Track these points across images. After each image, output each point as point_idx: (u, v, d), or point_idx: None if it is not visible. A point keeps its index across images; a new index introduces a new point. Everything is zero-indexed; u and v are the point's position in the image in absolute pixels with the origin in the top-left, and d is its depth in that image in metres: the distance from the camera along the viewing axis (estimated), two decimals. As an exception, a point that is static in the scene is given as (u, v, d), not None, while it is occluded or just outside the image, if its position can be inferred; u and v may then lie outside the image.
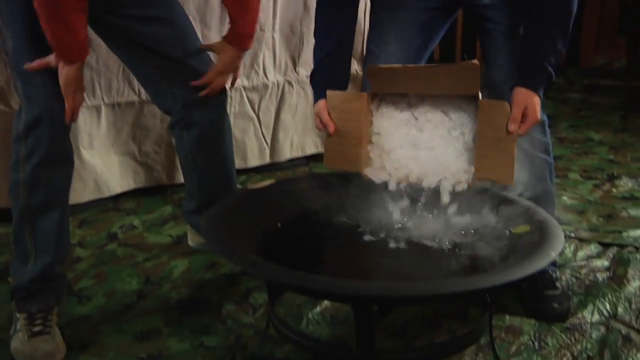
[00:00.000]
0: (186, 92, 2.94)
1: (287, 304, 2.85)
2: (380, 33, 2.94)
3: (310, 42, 4.60)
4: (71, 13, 2.48)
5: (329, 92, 2.62)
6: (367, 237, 2.45)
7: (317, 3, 2.77)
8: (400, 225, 2.48)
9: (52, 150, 2.62)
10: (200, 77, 2.93)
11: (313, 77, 2.77)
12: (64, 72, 2.55)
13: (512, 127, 2.40)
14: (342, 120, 2.59)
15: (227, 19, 3.01)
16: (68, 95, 2.57)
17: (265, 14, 4.48)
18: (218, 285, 2.99)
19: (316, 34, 2.76)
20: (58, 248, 2.72)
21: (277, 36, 4.60)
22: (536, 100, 2.49)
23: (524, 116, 2.46)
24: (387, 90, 2.55)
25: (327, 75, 2.73)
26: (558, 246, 2.22)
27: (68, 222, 2.79)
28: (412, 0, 2.86)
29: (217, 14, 4.17)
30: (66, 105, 2.58)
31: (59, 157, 2.67)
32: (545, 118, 2.91)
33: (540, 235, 2.28)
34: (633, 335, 2.76)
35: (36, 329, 2.61)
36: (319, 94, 2.71)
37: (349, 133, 2.58)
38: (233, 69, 3.05)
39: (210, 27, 4.16)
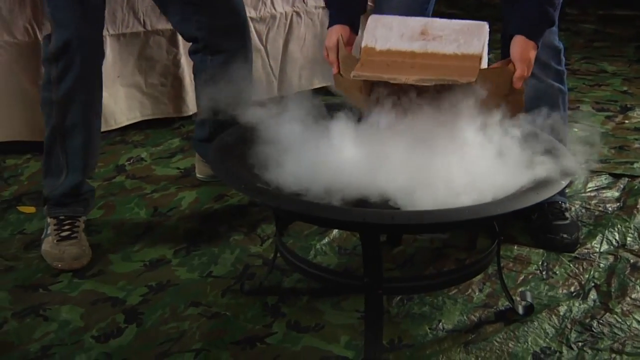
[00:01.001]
0: (212, 19, 2.98)
1: (295, 235, 2.90)
2: None
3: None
4: None
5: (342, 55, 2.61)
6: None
7: None
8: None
9: (83, 74, 2.70)
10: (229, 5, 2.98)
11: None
12: None
13: (520, 84, 2.42)
14: (346, 71, 2.58)
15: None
16: None
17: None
18: (226, 216, 3.04)
19: None
20: (88, 166, 2.89)
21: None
22: (533, 53, 2.50)
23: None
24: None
25: None
26: (567, 177, 2.27)
27: (98, 142, 2.92)
28: None
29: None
30: None
31: (91, 81, 2.76)
32: (562, 46, 2.93)
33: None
34: (641, 264, 2.80)
35: (64, 233, 2.81)
36: (333, 19, 2.69)
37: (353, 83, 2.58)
38: None
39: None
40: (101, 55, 2.83)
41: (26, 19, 3.53)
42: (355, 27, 2.68)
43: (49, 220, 2.88)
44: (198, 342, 2.39)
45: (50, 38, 2.71)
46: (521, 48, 2.43)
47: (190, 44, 3.16)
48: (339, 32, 2.65)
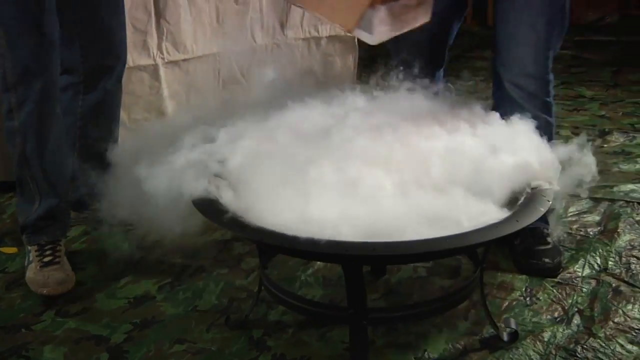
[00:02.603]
0: (99, 58, 2.97)
1: (279, 266, 2.87)
2: None
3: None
4: None
5: None
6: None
7: None
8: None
9: (41, 100, 2.69)
10: (114, 50, 3.00)
11: None
12: None
13: None
14: None
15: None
16: None
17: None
18: (210, 250, 3.01)
19: None
20: (58, 189, 2.85)
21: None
22: None
23: None
24: None
25: None
26: (546, 202, 2.28)
27: (68, 166, 2.92)
28: None
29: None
30: None
31: (50, 106, 2.74)
32: (552, 77, 2.96)
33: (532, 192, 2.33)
34: (623, 287, 2.81)
35: (47, 259, 2.81)
36: None
37: None
38: None
39: None
40: (56, 81, 2.80)
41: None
42: None
43: (29, 248, 2.88)
44: None
45: (5, 64, 2.70)
46: None
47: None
48: None
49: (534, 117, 2.60)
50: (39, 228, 2.85)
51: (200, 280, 2.89)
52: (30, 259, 2.85)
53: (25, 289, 2.86)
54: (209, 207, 2.25)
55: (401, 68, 2.77)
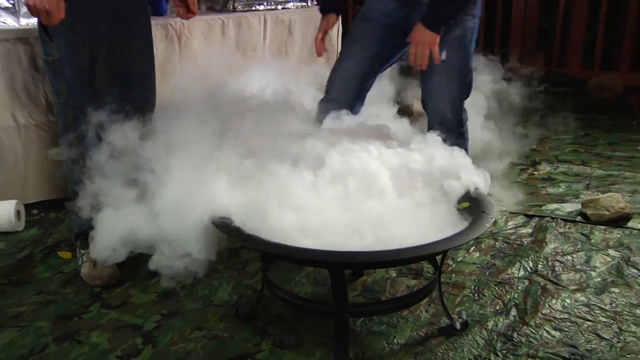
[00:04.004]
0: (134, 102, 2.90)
1: (278, 269, 2.84)
2: (349, 37, 3.06)
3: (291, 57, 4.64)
4: None
5: None
6: None
7: None
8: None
9: (87, 139, 2.67)
10: (148, 97, 3.02)
11: None
12: None
13: (413, 60, 2.78)
14: None
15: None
16: (51, 7, 2.41)
17: (257, 36, 4.47)
18: (222, 257, 2.95)
19: None
20: None
21: (266, 54, 4.59)
22: (431, 37, 2.73)
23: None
24: None
25: None
26: (491, 219, 2.29)
27: None
28: (377, 16, 2.96)
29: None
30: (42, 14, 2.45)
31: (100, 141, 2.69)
32: (465, 115, 3.11)
33: (477, 209, 2.34)
34: (549, 286, 2.81)
35: (96, 259, 2.76)
36: (327, 7, 3.04)
37: None
38: None
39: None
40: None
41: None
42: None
43: (82, 251, 2.88)
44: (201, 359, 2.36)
45: (61, 114, 2.73)
46: (424, 33, 2.73)
47: None
48: (326, 21, 3.01)
49: (453, 144, 2.64)
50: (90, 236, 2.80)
51: (214, 280, 2.86)
52: (84, 259, 2.85)
53: (77, 286, 2.85)
54: (222, 224, 2.24)
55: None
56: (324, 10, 3.09)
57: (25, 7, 3.40)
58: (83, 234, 2.86)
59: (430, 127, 3.02)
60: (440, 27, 2.74)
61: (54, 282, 2.87)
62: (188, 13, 3.14)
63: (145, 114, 2.89)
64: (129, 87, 2.90)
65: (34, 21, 3.48)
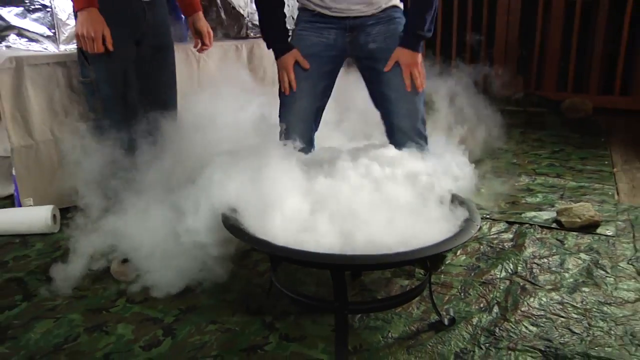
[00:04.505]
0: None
1: (284, 269, 2.80)
2: (296, 75, 2.85)
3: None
4: None
5: None
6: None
7: None
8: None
9: (128, 148, 2.68)
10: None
11: (267, 36, 2.82)
12: (84, 17, 2.46)
13: (408, 82, 2.70)
14: None
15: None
16: (96, 36, 2.46)
17: (267, 60, 4.42)
18: (234, 258, 2.91)
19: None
20: None
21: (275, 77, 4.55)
22: (415, 56, 2.70)
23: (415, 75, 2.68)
24: None
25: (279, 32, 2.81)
26: (476, 226, 2.27)
27: None
28: (321, 50, 2.83)
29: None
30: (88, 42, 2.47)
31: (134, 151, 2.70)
32: (425, 129, 2.93)
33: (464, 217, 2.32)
34: (528, 286, 2.77)
35: (124, 257, 2.75)
36: (281, 49, 2.77)
37: None
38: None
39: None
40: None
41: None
42: None
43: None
44: (215, 350, 2.33)
45: (97, 131, 2.68)
46: (406, 54, 2.70)
47: None
48: (294, 56, 2.77)
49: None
50: None
51: (228, 279, 2.79)
52: (111, 257, 2.80)
53: (105, 283, 2.81)
54: (235, 229, 2.22)
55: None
56: (284, 51, 2.83)
57: (66, 34, 3.44)
58: None
59: (393, 142, 2.86)
60: (420, 45, 2.71)
61: (85, 279, 2.83)
62: (203, 46, 3.12)
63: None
64: (153, 106, 2.86)
65: (71, 47, 3.47)
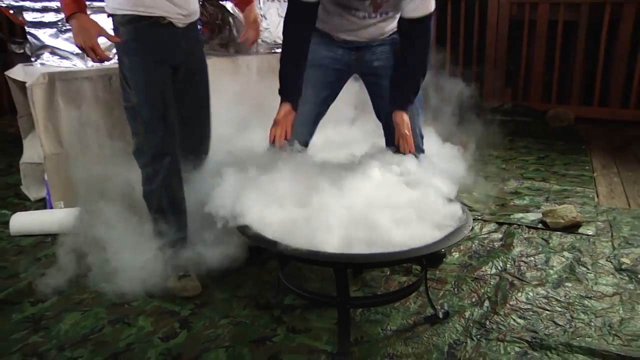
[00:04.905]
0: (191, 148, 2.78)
1: (291, 267, 2.74)
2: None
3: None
4: None
5: None
6: None
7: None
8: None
9: (169, 171, 2.56)
10: (203, 144, 2.83)
11: (285, 82, 2.64)
12: (74, 26, 2.33)
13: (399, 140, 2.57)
14: None
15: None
16: (85, 43, 2.33)
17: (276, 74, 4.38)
18: (246, 257, 2.87)
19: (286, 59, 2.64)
20: (181, 232, 2.66)
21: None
22: (404, 116, 2.59)
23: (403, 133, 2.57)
24: None
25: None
26: (468, 227, 2.23)
27: (185, 218, 2.69)
28: (328, 63, 2.75)
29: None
30: (89, 53, 2.36)
31: (174, 174, 2.59)
32: (422, 134, 2.88)
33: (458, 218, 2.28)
34: (516, 282, 2.74)
35: (181, 273, 2.63)
36: (287, 97, 2.60)
37: None
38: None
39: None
40: (179, 158, 2.64)
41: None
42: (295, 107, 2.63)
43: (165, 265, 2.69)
44: (227, 342, 2.31)
45: (140, 152, 2.57)
46: (400, 115, 2.60)
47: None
48: (290, 108, 2.59)
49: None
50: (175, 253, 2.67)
51: (239, 276, 2.78)
52: (169, 274, 2.66)
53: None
54: (247, 231, 2.18)
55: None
56: (289, 97, 2.63)
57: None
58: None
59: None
60: (411, 103, 2.66)
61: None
62: (253, 37, 2.96)
63: (200, 155, 2.78)
64: (189, 127, 2.76)
65: (96, 64, 3.44)
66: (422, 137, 2.87)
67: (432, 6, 2.57)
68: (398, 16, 2.68)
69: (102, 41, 2.38)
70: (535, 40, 5.97)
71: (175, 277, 2.64)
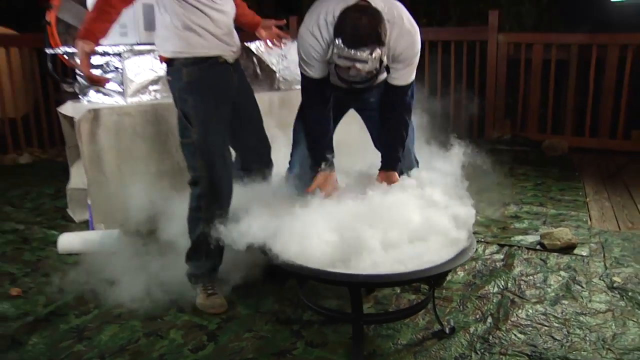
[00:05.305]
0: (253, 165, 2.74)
1: (309, 286, 2.65)
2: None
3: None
4: (110, 9, 2.32)
5: None
6: None
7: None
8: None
9: (221, 203, 2.50)
10: (264, 160, 2.78)
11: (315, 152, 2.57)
12: (79, 47, 2.31)
13: None
14: None
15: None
16: (84, 65, 2.32)
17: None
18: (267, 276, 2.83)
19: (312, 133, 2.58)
20: (219, 253, 2.60)
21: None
22: (395, 175, 2.53)
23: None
24: None
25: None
26: (472, 248, 2.22)
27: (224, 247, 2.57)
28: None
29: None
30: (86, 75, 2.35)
31: (225, 206, 2.52)
32: (416, 156, 2.81)
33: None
34: (516, 299, 2.69)
35: (210, 292, 2.61)
36: (320, 164, 2.52)
37: None
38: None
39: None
40: (232, 189, 2.58)
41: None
42: None
43: (195, 286, 2.64)
44: (251, 354, 2.28)
45: (196, 184, 2.50)
46: (387, 174, 2.54)
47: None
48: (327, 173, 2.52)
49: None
50: (205, 275, 2.62)
51: (261, 293, 2.74)
52: (198, 292, 2.62)
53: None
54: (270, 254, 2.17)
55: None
56: (321, 162, 2.54)
57: (131, 89, 3.43)
58: (201, 274, 2.63)
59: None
60: (400, 162, 2.60)
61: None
62: (280, 38, 2.93)
63: (266, 167, 2.74)
64: (250, 155, 2.74)
65: (134, 100, 3.46)
66: (417, 162, 2.79)
67: (411, 78, 2.52)
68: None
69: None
70: (531, 77, 5.95)
71: (204, 295, 2.61)
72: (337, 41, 2.22)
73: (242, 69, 2.70)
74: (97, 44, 2.36)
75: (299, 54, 2.47)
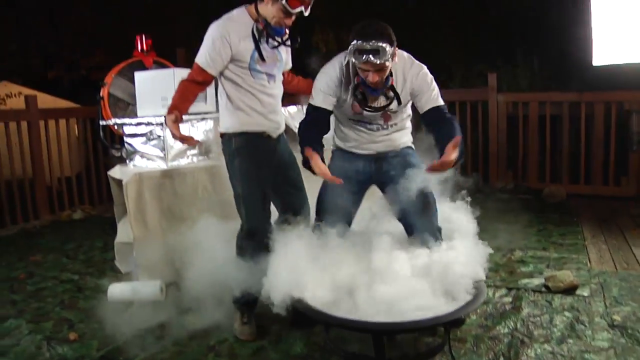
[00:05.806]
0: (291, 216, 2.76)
1: (335, 331, 2.61)
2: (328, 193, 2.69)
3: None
4: (189, 93, 2.60)
5: None
6: None
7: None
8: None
9: (260, 247, 2.56)
10: (303, 213, 2.80)
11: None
12: (168, 119, 2.52)
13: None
14: None
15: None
16: (174, 129, 2.51)
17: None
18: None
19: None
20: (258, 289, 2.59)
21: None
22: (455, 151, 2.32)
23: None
24: None
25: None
26: (484, 294, 2.18)
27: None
28: (352, 174, 2.67)
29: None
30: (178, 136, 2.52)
31: (264, 249, 2.55)
32: (439, 226, 2.69)
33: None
34: (525, 339, 2.64)
35: (245, 320, 2.74)
36: (315, 150, 2.43)
37: None
38: None
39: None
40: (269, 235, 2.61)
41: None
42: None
43: (236, 311, 2.77)
44: None
45: (241, 227, 2.70)
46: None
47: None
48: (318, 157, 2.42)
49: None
50: (244, 305, 2.72)
51: (291, 338, 2.72)
52: (237, 317, 2.76)
53: (199, 340, 2.73)
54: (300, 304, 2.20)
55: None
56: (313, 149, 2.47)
57: (171, 154, 3.49)
58: (240, 304, 2.73)
59: (414, 239, 2.63)
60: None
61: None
62: None
63: (304, 215, 2.78)
64: (292, 199, 2.82)
65: (174, 164, 3.52)
66: (439, 231, 2.68)
67: (441, 101, 2.55)
68: (407, 129, 2.72)
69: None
70: (529, 131, 5.97)
71: (239, 322, 2.73)
72: (353, 42, 2.33)
73: (285, 141, 2.87)
74: (182, 117, 2.59)
75: (314, 87, 2.60)
